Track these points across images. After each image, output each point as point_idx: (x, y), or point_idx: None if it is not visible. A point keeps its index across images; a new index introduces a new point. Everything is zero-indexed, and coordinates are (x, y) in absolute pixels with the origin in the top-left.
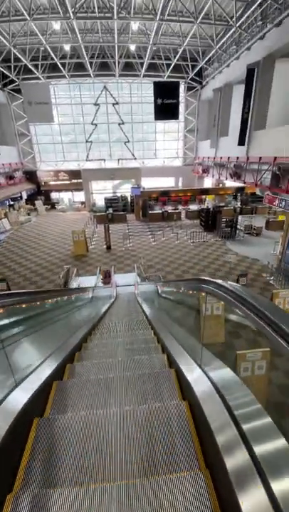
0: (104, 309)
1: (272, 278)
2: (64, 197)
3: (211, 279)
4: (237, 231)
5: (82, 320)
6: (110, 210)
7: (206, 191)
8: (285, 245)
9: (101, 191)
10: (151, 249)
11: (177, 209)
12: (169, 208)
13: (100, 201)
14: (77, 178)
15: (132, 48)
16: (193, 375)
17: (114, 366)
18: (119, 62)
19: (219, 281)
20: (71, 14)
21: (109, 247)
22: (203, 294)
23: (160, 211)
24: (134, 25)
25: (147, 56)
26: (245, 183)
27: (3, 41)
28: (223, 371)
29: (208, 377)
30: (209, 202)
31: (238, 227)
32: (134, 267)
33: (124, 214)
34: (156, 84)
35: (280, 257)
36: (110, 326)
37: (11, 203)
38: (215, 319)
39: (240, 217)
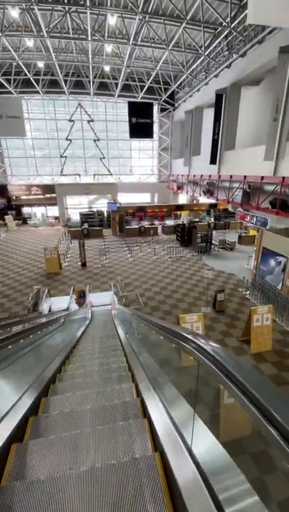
0: (77, 335)
1: (248, 293)
2: (37, 211)
3: (193, 338)
4: (212, 246)
5: (53, 350)
6: (86, 225)
7: (181, 207)
8: (258, 260)
9: (76, 206)
10: (129, 266)
11: (154, 224)
12: (146, 223)
13: (75, 216)
14: (50, 193)
15: (107, 68)
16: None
17: (85, 415)
18: (93, 82)
19: (202, 342)
20: (45, 33)
21: (84, 264)
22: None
23: (137, 226)
24: (108, 48)
25: (121, 77)
26: (217, 199)
27: None
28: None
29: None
30: (184, 217)
31: (213, 242)
32: (110, 285)
33: (101, 229)
34: (130, 104)
35: (254, 272)
36: (83, 355)
37: None
38: None
39: (214, 233)
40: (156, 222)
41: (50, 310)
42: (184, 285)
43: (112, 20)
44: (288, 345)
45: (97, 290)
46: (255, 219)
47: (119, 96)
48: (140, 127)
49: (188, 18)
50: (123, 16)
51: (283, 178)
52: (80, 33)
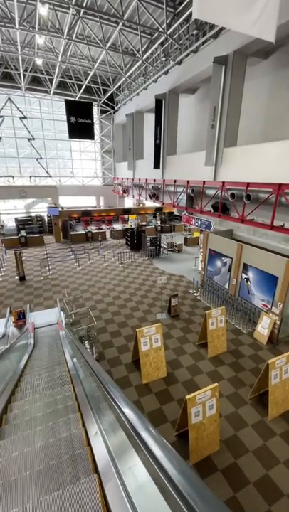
0: (19, 368)
1: (198, 294)
2: None
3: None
4: (161, 249)
5: None
6: (23, 233)
7: (128, 211)
8: (205, 262)
9: (10, 211)
10: (77, 276)
11: (101, 229)
12: (93, 228)
13: (9, 222)
14: None
15: (39, 62)
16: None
17: (32, 457)
18: (24, 75)
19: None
20: None
21: (22, 278)
22: None
23: (83, 232)
24: (40, 40)
25: (56, 74)
26: (163, 203)
27: None
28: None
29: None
30: (132, 221)
31: (162, 245)
32: (56, 301)
33: (41, 236)
34: (68, 103)
35: (203, 273)
36: (27, 396)
37: None
38: (156, 352)
39: (162, 236)
40: (103, 226)
41: None
42: (137, 292)
43: (43, 10)
44: (241, 343)
45: (40, 308)
46: (199, 222)
47: (54, 93)
48: (80, 127)
49: (124, 18)
50: (55, 6)
51: (223, 182)
52: (6, 22)
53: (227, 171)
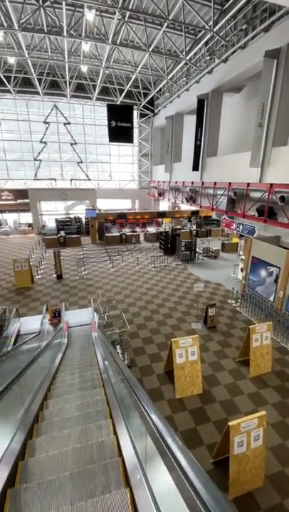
0: (54, 366)
1: (238, 305)
2: (8, 218)
3: None
4: (196, 254)
5: (30, 386)
6: (62, 233)
7: (163, 214)
8: (247, 270)
9: (51, 212)
10: (110, 277)
11: (135, 231)
12: (127, 231)
13: (50, 223)
14: (24, 198)
15: (84, 69)
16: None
17: (66, 458)
18: (70, 83)
19: None
20: (16, 25)
21: (60, 276)
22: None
23: (118, 234)
24: (86, 47)
25: (100, 79)
26: (201, 207)
27: None
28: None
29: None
30: (166, 225)
31: (197, 250)
32: (90, 301)
33: (79, 237)
34: (109, 107)
35: (244, 283)
36: (61, 394)
37: None
38: (191, 365)
39: (198, 240)
40: (137, 229)
41: (18, 333)
42: (170, 298)
43: (90, 15)
44: (288, 364)
45: (74, 307)
46: (241, 227)
47: (97, 99)
48: (120, 131)
49: (169, 18)
50: (101, 12)
51: (271, 184)
52: (55, 31)
53: (276, 172)
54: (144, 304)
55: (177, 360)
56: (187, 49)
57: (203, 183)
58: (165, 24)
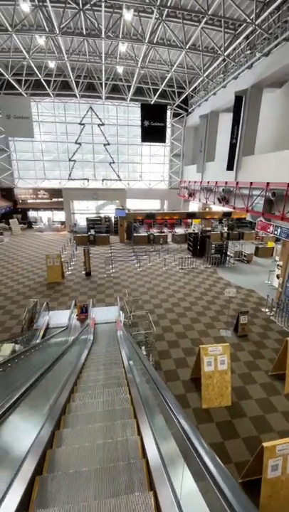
0: (80, 362)
1: (272, 314)
2: (43, 216)
3: None
4: (227, 257)
5: (58, 379)
6: (92, 232)
7: (192, 215)
8: (285, 277)
9: (83, 211)
10: (137, 277)
11: (163, 232)
12: (155, 231)
13: (81, 221)
14: (58, 197)
15: (120, 70)
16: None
17: (91, 455)
18: (106, 84)
19: None
20: (57, 29)
21: (88, 273)
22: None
23: (146, 234)
24: (123, 47)
25: (135, 80)
26: (234, 208)
27: None
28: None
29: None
30: (195, 226)
31: (228, 253)
32: (116, 299)
33: (108, 236)
34: (143, 106)
35: (280, 290)
36: (87, 389)
37: None
38: (220, 375)
39: (229, 243)
40: (165, 230)
41: (47, 326)
42: (198, 301)
43: (128, 15)
44: None
45: (101, 304)
46: (279, 230)
47: (131, 100)
48: (153, 131)
49: (209, 13)
50: (139, 12)
51: None
52: (93, 33)
53: None
54: (171, 306)
55: (205, 368)
56: (226, 44)
57: (237, 183)
58: (204, 20)
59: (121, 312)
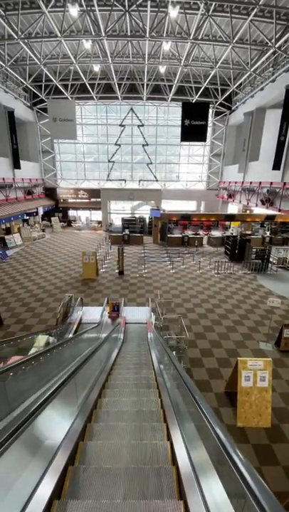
0: (111, 360)
1: None
2: (81, 215)
3: None
4: (269, 264)
5: (90, 374)
6: (127, 231)
7: (232, 217)
8: None
9: (119, 211)
10: (169, 278)
11: (199, 234)
12: (190, 233)
13: (117, 221)
14: (96, 197)
15: (162, 70)
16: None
17: (120, 453)
18: (148, 85)
19: None
20: (103, 32)
21: (121, 272)
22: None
23: (180, 235)
24: (166, 46)
25: (177, 78)
26: (280, 210)
27: (35, 60)
28: None
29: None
30: (234, 229)
31: (271, 259)
32: (148, 300)
33: (141, 236)
34: (184, 105)
35: None
36: (117, 387)
37: (26, 217)
38: (259, 392)
39: (273, 249)
40: (201, 232)
41: (80, 321)
42: (235, 309)
43: (174, 12)
44: None
45: (132, 304)
46: None
47: (172, 100)
48: (193, 130)
49: (260, 3)
50: (185, 8)
51: None
52: (138, 35)
53: None
54: (204, 311)
55: (243, 383)
56: (277, 36)
57: (285, 183)
58: (253, 12)
59: (152, 314)
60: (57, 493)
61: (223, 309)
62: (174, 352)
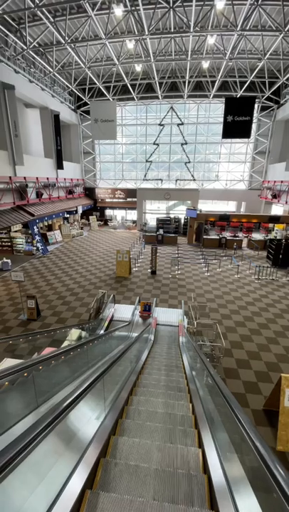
0: (142, 359)
1: None
2: (117, 214)
3: None
4: None
5: (122, 371)
6: (161, 231)
7: (276, 219)
8: None
9: (154, 211)
10: (204, 281)
11: (238, 236)
12: (228, 235)
13: (151, 221)
14: (132, 197)
15: (205, 65)
16: None
17: (151, 453)
18: (189, 82)
19: None
20: (146, 31)
21: (154, 272)
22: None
23: (217, 237)
24: (211, 40)
25: (220, 74)
26: None
27: (80, 64)
28: None
29: None
30: (278, 232)
31: None
32: (180, 302)
33: (175, 236)
34: (228, 100)
35: None
36: (148, 386)
37: (67, 216)
38: None
39: None
40: (240, 234)
41: (112, 318)
42: (277, 320)
43: (220, 4)
44: None
45: (164, 305)
46: None
47: (214, 96)
48: (236, 126)
49: None
50: (233, 2)
51: None
52: (182, 31)
53: None
54: (242, 319)
55: (286, 402)
56: None
57: None
58: None
59: (185, 317)
60: (90, 482)
61: (264, 318)
62: (208, 359)
